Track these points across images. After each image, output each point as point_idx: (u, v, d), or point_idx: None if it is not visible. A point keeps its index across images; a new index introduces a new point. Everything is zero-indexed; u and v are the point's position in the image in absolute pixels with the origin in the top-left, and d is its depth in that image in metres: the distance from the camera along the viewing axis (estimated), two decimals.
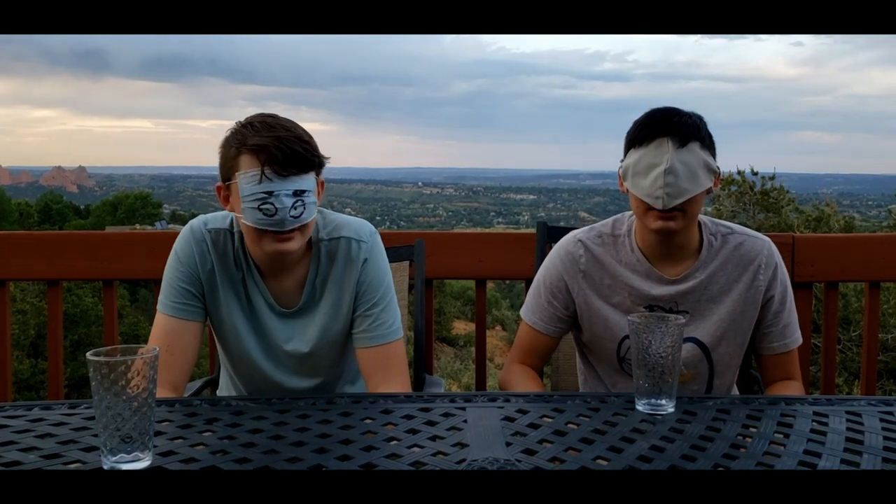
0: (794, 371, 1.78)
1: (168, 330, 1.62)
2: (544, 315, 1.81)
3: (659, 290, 1.72)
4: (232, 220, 1.66)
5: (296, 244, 1.56)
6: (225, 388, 1.87)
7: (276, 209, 1.49)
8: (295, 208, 1.51)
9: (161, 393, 1.48)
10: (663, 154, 1.59)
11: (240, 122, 1.56)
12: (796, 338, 1.77)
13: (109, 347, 1.12)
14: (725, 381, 1.79)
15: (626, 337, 1.74)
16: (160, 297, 1.66)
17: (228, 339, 1.70)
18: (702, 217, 1.76)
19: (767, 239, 1.77)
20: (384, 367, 1.66)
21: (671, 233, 1.65)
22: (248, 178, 1.49)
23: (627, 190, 1.67)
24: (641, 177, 1.61)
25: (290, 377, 1.72)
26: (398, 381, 1.64)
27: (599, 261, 1.76)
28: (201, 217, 1.70)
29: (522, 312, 1.87)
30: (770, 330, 1.75)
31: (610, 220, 1.82)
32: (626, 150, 1.68)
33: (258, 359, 1.70)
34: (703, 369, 1.76)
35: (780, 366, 1.78)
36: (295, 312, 1.69)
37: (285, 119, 1.56)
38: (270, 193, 1.49)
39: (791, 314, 1.77)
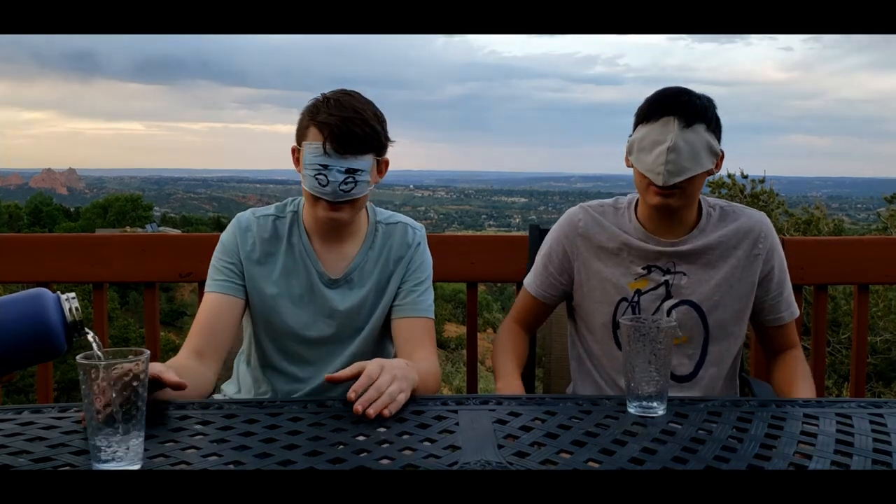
0: (795, 339, 1.88)
1: (210, 304, 1.73)
2: (540, 280, 1.91)
3: (657, 248, 1.77)
4: (279, 206, 1.83)
5: (345, 215, 1.70)
6: (252, 372, 1.88)
7: (329, 181, 1.64)
8: (346, 184, 1.65)
9: (186, 360, 1.62)
10: (668, 132, 1.64)
11: (324, 94, 1.71)
12: (795, 307, 1.87)
13: (87, 353, 1.12)
14: (721, 349, 1.82)
15: (623, 299, 1.80)
16: (206, 282, 1.77)
17: (272, 307, 1.77)
18: (701, 196, 1.81)
19: (764, 214, 1.84)
20: (421, 336, 1.77)
21: (670, 209, 1.72)
22: (311, 148, 1.66)
23: (632, 165, 1.72)
24: (646, 153, 1.67)
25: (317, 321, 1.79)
26: (431, 353, 1.74)
27: (599, 223, 1.84)
28: (250, 210, 1.85)
29: (525, 279, 1.98)
30: (777, 300, 1.83)
31: (614, 197, 1.90)
32: (635, 125, 1.73)
33: (298, 315, 1.78)
34: (697, 333, 1.80)
35: (784, 336, 1.87)
36: (342, 279, 1.79)
37: (362, 100, 1.70)
38: (326, 167, 1.64)
39: (790, 286, 1.86)
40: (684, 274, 1.77)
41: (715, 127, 1.69)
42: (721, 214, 1.80)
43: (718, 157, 1.69)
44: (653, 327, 1.34)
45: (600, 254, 1.82)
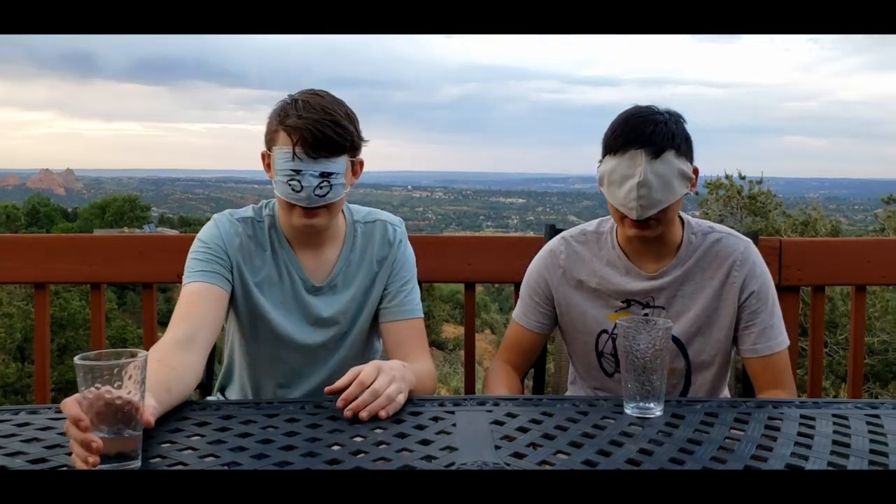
0: (783, 379, 1.73)
1: (195, 292, 1.63)
2: (527, 310, 1.86)
3: (635, 285, 1.74)
4: (255, 208, 1.77)
5: (322, 220, 1.66)
6: (237, 374, 1.86)
7: (303, 187, 1.59)
8: (321, 188, 1.60)
9: (173, 347, 1.49)
10: (636, 166, 1.59)
11: (291, 95, 1.66)
12: (780, 341, 1.73)
13: (97, 352, 1.12)
14: (706, 378, 1.79)
15: (604, 331, 1.78)
16: (184, 278, 1.67)
17: (257, 312, 1.72)
18: (687, 217, 1.78)
19: (748, 240, 1.78)
20: (413, 338, 1.74)
21: (647, 239, 1.69)
22: (281, 153, 1.60)
23: (605, 196, 1.69)
24: (616, 186, 1.63)
25: (305, 329, 1.76)
26: (425, 354, 1.72)
27: (580, 257, 1.80)
28: (226, 211, 1.78)
29: (513, 312, 1.91)
30: (750, 330, 1.73)
31: (597, 219, 1.86)
32: (603, 154, 1.68)
33: (283, 325, 1.73)
34: (679, 365, 1.78)
35: (767, 371, 1.73)
36: (326, 286, 1.75)
37: (332, 100, 1.65)
38: (298, 172, 1.59)
39: (773, 316, 1.74)
40: (663, 308, 1.74)
41: (685, 148, 1.64)
42: (701, 241, 1.75)
43: (692, 179, 1.65)
44: (650, 328, 1.34)
45: (580, 287, 1.79)
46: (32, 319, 2.49)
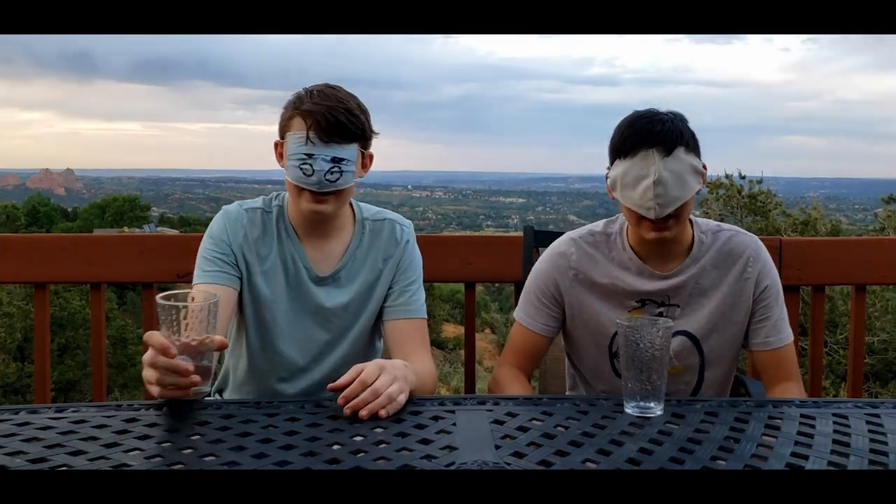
0: (794, 371, 1.77)
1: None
2: (534, 312, 1.83)
3: (650, 286, 1.74)
4: (265, 199, 1.80)
5: (330, 207, 1.69)
6: (237, 370, 1.86)
7: (314, 171, 1.63)
8: (331, 173, 1.64)
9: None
10: (650, 166, 1.59)
11: (306, 87, 1.70)
12: (788, 333, 1.77)
13: (171, 292, 1.32)
14: (717, 373, 1.80)
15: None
16: (194, 277, 1.72)
17: (260, 303, 1.74)
18: (694, 217, 1.78)
19: (755, 236, 1.80)
20: (416, 338, 1.76)
21: (664, 240, 1.68)
22: (294, 138, 1.65)
23: (618, 199, 1.68)
24: (630, 189, 1.62)
25: (311, 327, 1.78)
26: (427, 354, 1.73)
27: (591, 258, 1.79)
28: (236, 202, 1.82)
29: (515, 313, 1.90)
30: (763, 324, 1.76)
31: (603, 220, 1.85)
32: (612, 159, 1.68)
33: (286, 315, 1.76)
34: (693, 361, 1.78)
35: (779, 364, 1.76)
36: (330, 277, 1.77)
37: (345, 92, 1.70)
38: (311, 155, 1.63)
39: (783, 311, 1.78)
40: (678, 306, 1.75)
41: (693, 145, 1.65)
42: (713, 240, 1.76)
43: (703, 175, 1.65)
44: (649, 327, 1.34)
45: (594, 289, 1.78)
46: (32, 319, 2.49)
